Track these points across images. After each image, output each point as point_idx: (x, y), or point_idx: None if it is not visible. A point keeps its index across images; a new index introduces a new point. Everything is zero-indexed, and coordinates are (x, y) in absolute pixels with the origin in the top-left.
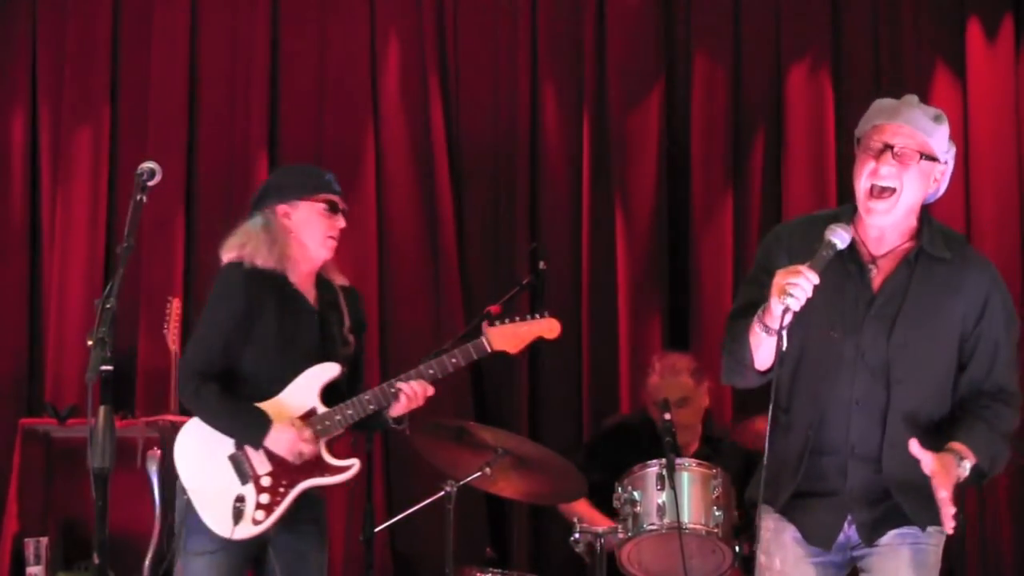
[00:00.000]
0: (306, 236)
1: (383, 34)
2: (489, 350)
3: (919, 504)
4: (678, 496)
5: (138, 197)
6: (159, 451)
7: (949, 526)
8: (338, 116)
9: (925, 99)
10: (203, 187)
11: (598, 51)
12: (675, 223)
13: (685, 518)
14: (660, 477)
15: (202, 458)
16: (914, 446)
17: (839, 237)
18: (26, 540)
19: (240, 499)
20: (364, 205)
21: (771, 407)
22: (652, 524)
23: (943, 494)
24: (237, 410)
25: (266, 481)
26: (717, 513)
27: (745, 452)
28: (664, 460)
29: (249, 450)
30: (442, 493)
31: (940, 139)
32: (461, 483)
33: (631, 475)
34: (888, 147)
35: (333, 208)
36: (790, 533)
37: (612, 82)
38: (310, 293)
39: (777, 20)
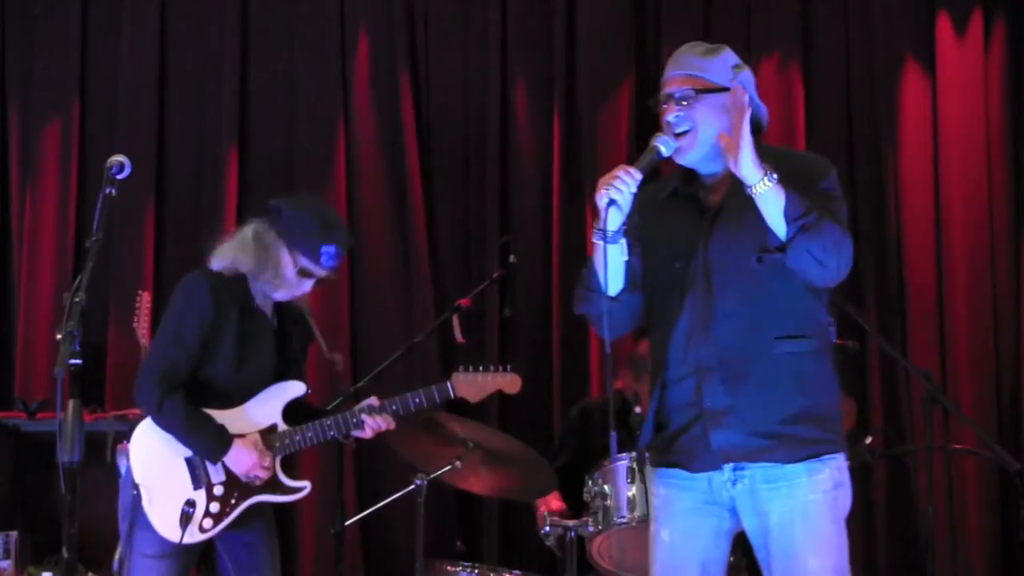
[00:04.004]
0: (284, 281)
1: (353, 29)
2: (452, 396)
3: None
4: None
5: (107, 191)
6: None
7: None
8: (308, 111)
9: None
10: (173, 181)
11: (568, 47)
12: None
13: None
14: (630, 471)
15: (159, 456)
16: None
17: (663, 143)
18: None
19: (191, 503)
20: (334, 201)
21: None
22: (622, 517)
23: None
24: (200, 425)
25: (218, 490)
26: None
27: None
28: (634, 454)
29: None
30: (412, 486)
31: (717, 71)
32: (432, 476)
33: (602, 469)
34: (669, 96)
35: (310, 275)
36: (680, 504)
37: (582, 78)
38: (269, 310)
39: (747, 16)
